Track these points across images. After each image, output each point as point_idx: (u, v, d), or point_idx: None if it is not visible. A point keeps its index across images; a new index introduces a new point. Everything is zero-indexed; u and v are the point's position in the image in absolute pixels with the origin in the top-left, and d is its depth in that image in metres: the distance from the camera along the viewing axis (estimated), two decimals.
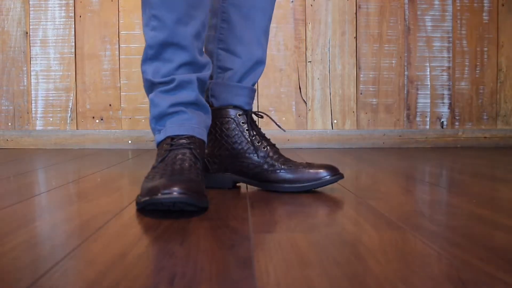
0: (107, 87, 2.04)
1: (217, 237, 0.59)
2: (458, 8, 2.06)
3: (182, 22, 0.82)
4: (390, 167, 1.31)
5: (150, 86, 0.87)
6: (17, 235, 0.60)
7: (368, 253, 0.52)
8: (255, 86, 1.00)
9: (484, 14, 2.07)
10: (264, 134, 0.96)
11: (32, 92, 2.05)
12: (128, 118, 2.04)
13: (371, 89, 2.06)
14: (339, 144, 2.04)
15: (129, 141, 2.03)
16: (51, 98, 2.05)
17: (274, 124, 1.01)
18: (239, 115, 0.93)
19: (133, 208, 0.76)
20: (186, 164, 0.76)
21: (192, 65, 0.85)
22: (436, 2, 2.06)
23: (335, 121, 2.05)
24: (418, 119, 2.08)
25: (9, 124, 2.06)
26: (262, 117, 0.97)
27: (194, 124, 0.84)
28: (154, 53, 0.84)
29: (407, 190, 0.95)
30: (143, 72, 0.86)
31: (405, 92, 2.07)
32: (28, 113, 2.05)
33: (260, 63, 0.98)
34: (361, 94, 2.06)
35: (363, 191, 0.92)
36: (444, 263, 0.49)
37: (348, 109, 2.06)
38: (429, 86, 2.08)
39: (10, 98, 2.05)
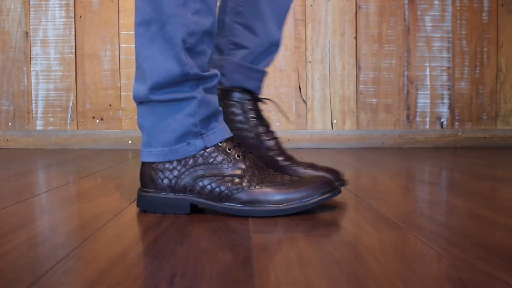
0: (107, 87, 2.04)
1: (217, 237, 0.59)
2: (458, 8, 2.06)
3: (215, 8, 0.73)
4: (390, 167, 1.31)
5: (185, 81, 0.71)
6: (17, 235, 0.60)
7: (368, 253, 0.52)
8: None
9: (483, 14, 2.07)
10: (269, 124, 0.88)
11: (32, 92, 2.05)
12: (128, 118, 2.04)
13: (371, 89, 2.06)
14: (339, 144, 2.04)
15: (129, 141, 2.03)
16: (51, 98, 2.05)
17: (276, 118, 0.98)
18: (248, 100, 0.85)
19: (133, 208, 0.76)
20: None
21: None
22: (436, 2, 2.06)
23: (335, 121, 2.05)
24: (418, 119, 2.08)
25: (10, 124, 2.06)
26: (265, 103, 0.89)
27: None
28: (195, 42, 0.71)
29: (407, 190, 0.95)
30: (179, 61, 0.70)
31: (405, 92, 2.07)
32: (28, 113, 2.05)
33: (276, 45, 0.88)
34: (361, 94, 2.06)
35: (363, 191, 0.92)
36: (444, 263, 0.49)
37: (348, 109, 2.06)
38: (429, 86, 2.08)
39: (10, 98, 2.05)
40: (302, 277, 0.45)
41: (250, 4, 0.86)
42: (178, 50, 0.69)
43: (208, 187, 0.71)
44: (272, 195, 0.70)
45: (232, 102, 0.85)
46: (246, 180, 0.71)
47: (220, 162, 0.72)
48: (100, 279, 0.44)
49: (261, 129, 0.86)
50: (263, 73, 0.88)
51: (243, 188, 0.70)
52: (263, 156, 0.84)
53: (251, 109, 0.85)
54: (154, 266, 0.48)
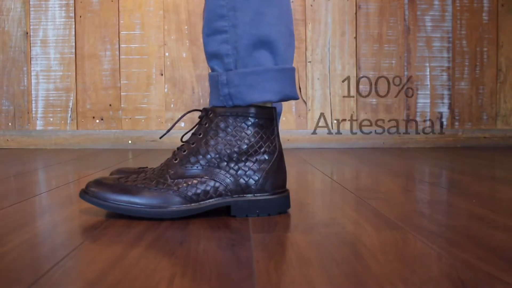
0: (107, 87, 2.04)
1: (217, 237, 0.59)
2: (458, 8, 2.06)
3: None
4: (390, 167, 1.31)
5: None
6: (17, 235, 0.60)
7: (368, 253, 0.52)
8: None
9: (483, 14, 2.07)
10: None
11: (32, 92, 2.05)
12: (128, 118, 2.04)
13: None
14: (339, 144, 2.04)
15: (129, 141, 2.03)
16: (51, 98, 2.05)
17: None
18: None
19: None
20: None
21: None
22: (436, 2, 2.06)
23: (335, 121, 2.05)
24: (418, 119, 2.08)
25: (10, 124, 2.06)
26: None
27: None
28: None
29: (407, 190, 0.95)
30: None
31: (405, 92, 2.07)
32: (28, 113, 2.05)
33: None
34: (361, 94, 2.06)
35: (363, 191, 0.92)
36: (444, 263, 0.49)
37: (348, 109, 2.06)
38: (429, 86, 2.08)
39: (10, 98, 2.05)
40: (302, 277, 0.45)
41: None
42: None
43: None
44: None
45: None
46: None
47: None
48: (100, 279, 0.44)
49: None
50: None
51: None
52: None
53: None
54: (154, 266, 0.48)
